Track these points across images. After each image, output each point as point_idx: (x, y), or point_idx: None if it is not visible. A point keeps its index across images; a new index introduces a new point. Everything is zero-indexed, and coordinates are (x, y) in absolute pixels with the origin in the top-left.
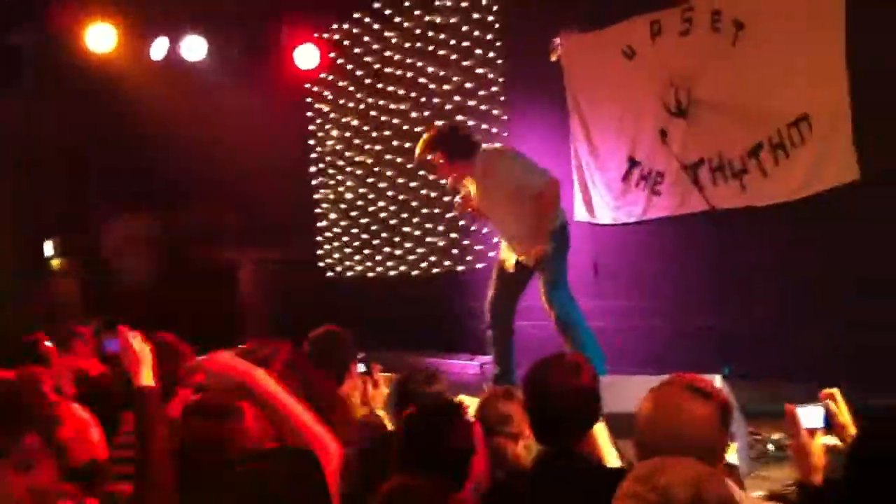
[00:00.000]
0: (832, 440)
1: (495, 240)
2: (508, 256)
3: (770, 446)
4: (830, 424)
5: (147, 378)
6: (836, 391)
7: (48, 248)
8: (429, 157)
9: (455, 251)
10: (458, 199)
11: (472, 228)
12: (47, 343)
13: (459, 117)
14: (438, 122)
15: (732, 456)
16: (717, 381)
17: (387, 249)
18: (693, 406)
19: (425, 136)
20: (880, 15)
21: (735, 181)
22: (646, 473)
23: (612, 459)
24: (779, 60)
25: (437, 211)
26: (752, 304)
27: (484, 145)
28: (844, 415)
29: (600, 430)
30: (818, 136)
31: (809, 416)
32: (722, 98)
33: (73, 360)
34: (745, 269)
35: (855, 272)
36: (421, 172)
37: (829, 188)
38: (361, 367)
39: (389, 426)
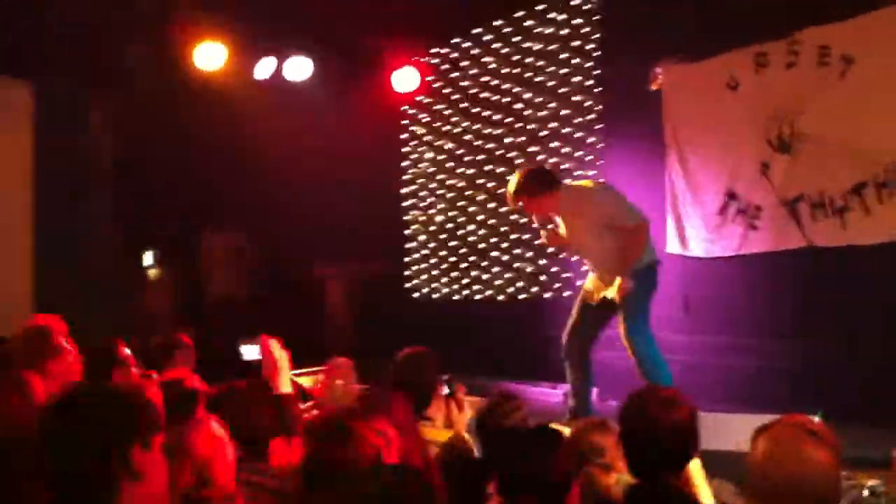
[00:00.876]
0: None
1: (584, 268)
2: (596, 288)
3: (865, 492)
4: None
5: (286, 385)
6: None
7: (147, 258)
8: (518, 203)
9: (543, 277)
10: (543, 232)
11: (561, 256)
12: (126, 350)
13: (554, 144)
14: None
15: None
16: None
17: (474, 273)
18: (813, 450)
19: (509, 186)
20: None
21: (836, 218)
22: None
23: (705, 497)
24: (889, 97)
25: (526, 237)
26: (849, 344)
27: (568, 181)
28: None
29: (696, 467)
30: None
31: None
32: (828, 133)
33: (173, 372)
34: (843, 306)
35: None
36: None
37: None
38: (446, 390)
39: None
